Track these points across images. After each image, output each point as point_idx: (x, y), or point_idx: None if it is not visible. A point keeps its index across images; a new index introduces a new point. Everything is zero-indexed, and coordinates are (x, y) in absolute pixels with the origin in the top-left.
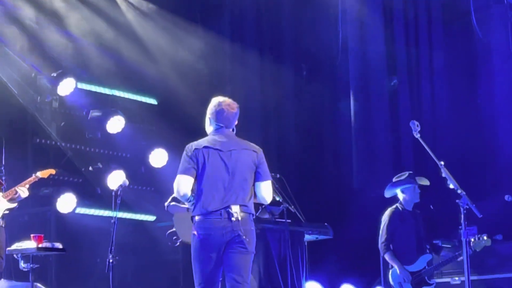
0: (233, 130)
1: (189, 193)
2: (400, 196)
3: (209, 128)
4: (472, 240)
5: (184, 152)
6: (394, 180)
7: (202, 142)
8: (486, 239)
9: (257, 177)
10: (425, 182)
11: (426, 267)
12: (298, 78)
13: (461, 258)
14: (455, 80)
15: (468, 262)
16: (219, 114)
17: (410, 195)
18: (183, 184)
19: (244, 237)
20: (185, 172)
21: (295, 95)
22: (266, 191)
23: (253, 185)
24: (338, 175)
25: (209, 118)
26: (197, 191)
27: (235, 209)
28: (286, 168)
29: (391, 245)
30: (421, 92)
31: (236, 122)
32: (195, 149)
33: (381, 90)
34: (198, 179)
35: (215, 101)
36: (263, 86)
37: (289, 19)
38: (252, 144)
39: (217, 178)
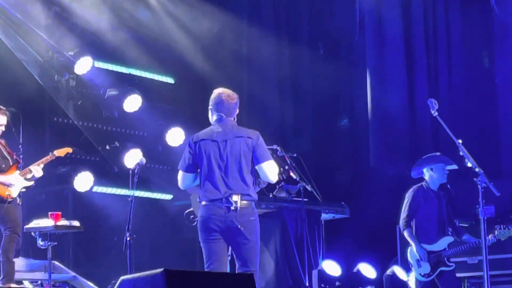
0: (234, 119)
1: (189, 186)
2: (427, 175)
3: (212, 118)
4: (497, 230)
5: (186, 146)
6: (424, 158)
7: (200, 134)
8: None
9: (256, 161)
10: (454, 166)
11: (447, 249)
12: (315, 56)
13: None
14: (472, 58)
15: (486, 241)
16: (219, 104)
17: (438, 175)
18: (184, 180)
19: (242, 229)
20: (186, 169)
21: (312, 74)
22: (268, 171)
23: (254, 169)
24: (355, 154)
25: (211, 109)
26: (200, 181)
27: (235, 198)
28: (303, 147)
29: (412, 223)
30: (438, 71)
31: (237, 112)
32: (194, 142)
33: (398, 68)
34: (200, 170)
35: (215, 92)
36: (280, 64)
37: None
38: (249, 130)
39: (215, 168)
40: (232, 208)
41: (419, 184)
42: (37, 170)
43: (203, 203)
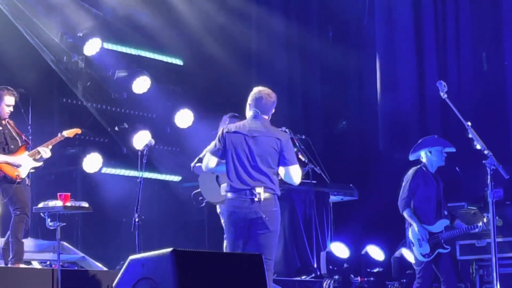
0: (268, 118)
1: (212, 169)
2: (425, 157)
3: (248, 113)
4: (486, 218)
5: (218, 133)
6: (421, 140)
7: (234, 126)
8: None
9: (283, 163)
10: (452, 149)
11: (444, 231)
12: (324, 40)
13: (475, 231)
14: (481, 40)
15: (495, 223)
16: (258, 100)
17: (436, 157)
18: (210, 162)
19: (266, 218)
20: (213, 153)
21: (321, 57)
22: (294, 175)
23: (278, 168)
24: (364, 137)
25: (249, 104)
26: (227, 171)
27: (259, 190)
28: (311, 129)
29: (411, 203)
30: (447, 53)
31: (272, 111)
32: (226, 132)
33: (408, 52)
34: (227, 160)
35: (256, 89)
36: (288, 48)
37: None
38: (280, 132)
39: (243, 161)
40: (256, 199)
41: (418, 166)
42: (45, 151)
43: (229, 195)
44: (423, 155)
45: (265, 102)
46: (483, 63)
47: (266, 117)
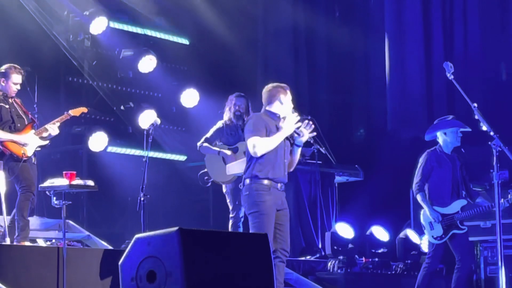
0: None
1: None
2: (441, 138)
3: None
4: (510, 195)
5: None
6: (436, 122)
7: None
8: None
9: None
10: (468, 129)
11: (460, 212)
12: (331, 19)
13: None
14: (487, 21)
15: (500, 205)
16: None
17: (452, 138)
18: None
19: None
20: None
21: (328, 37)
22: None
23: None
24: (370, 117)
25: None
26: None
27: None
28: (317, 109)
29: (425, 187)
30: (454, 34)
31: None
32: None
33: (416, 31)
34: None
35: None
36: (295, 27)
37: None
38: None
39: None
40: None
41: (432, 148)
42: (53, 128)
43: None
44: (439, 136)
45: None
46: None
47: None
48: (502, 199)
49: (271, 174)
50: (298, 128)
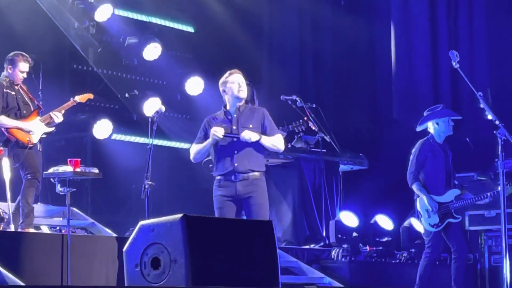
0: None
1: None
2: (432, 128)
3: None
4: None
5: None
6: (426, 113)
7: None
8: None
9: None
10: (458, 116)
11: (454, 201)
12: (336, 7)
13: (482, 202)
14: (493, 10)
15: (505, 194)
16: None
17: (444, 127)
18: None
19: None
20: None
21: (333, 26)
22: None
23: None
24: (375, 106)
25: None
26: None
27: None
28: (322, 97)
29: (420, 176)
30: (459, 23)
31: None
32: None
33: (422, 20)
34: None
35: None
36: (300, 16)
37: None
38: None
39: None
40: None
41: (425, 138)
42: (57, 115)
43: None
44: (431, 126)
45: None
46: None
47: None
48: (488, 192)
49: None
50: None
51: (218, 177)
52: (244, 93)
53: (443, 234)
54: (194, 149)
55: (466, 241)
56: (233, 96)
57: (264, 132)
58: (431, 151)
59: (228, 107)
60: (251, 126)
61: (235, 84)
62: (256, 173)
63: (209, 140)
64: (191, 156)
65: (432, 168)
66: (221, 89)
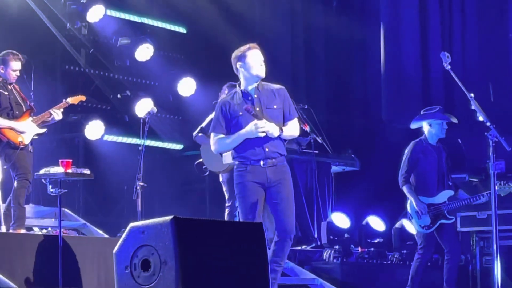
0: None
1: None
2: (426, 129)
3: None
4: (498, 184)
5: None
6: (422, 112)
7: None
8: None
9: None
10: (454, 119)
11: (447, 202)
12: (328, 9)
13: (479, 202)
14: (485, 12)
15: (496, 196)
16: None
17: (437, 130)
18: None
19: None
20: None
21: (325, 27)
22: None
23: None
24: (367, 107)
25: None
26: None
27: None
28: (314, 98)
29: (411, 178)
30: (451, 24)
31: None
32: None
33: (412, 21)
34: None
35: None
36: (292, 17)
37: None
38: None
39: None
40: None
41: (417, 139)
42: (57, 113)
43: None
44: (425, 127)
45: None
46: None
47: None
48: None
49: None
50: None
51: (244, 164)
52: (264, 71)
53: (436, 235)
54: (222, 141)
55: (459, 242)
56: (252, 74)
57: (283, 113)
58: (422, 152)
59: (243, 87)
60: (275, 106)
61: (256, 61)
62: (283, 158)
63: (246, 133)
64: (217, 148)
65: (423, 170)
66: (237, 64)
